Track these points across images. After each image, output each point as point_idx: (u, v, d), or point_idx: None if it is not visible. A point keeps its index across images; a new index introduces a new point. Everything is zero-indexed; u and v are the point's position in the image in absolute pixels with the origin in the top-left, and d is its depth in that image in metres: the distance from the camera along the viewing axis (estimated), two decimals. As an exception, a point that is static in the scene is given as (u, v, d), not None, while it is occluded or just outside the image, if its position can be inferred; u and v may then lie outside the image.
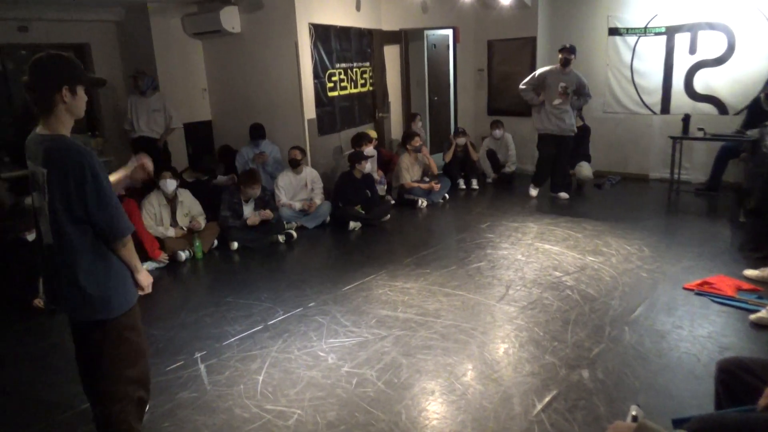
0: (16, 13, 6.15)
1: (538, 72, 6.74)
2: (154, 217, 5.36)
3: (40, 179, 2.13)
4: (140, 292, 2.36)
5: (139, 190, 5.74)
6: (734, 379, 2.05)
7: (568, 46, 6.57)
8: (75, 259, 2.14)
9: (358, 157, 6.25)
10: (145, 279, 2.35)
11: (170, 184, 5.38)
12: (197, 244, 5.40)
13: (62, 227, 2.11)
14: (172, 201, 5.45)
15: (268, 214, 5.68)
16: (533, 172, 7.24)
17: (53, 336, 4.04)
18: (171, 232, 5.37)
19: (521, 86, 6.75)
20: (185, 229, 5.49)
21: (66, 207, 2.10)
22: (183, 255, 5.32)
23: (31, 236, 4.53)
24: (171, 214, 5.46)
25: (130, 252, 2.26)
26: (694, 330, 3.50)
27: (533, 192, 7.07)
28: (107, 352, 2.25)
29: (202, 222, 5.57)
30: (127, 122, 6.71)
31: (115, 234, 2.18)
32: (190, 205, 5.59)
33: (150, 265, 5.11)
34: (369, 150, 6.79)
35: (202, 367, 3.35)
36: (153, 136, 6.73)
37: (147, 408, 2.50)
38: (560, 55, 6.56)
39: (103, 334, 2.23)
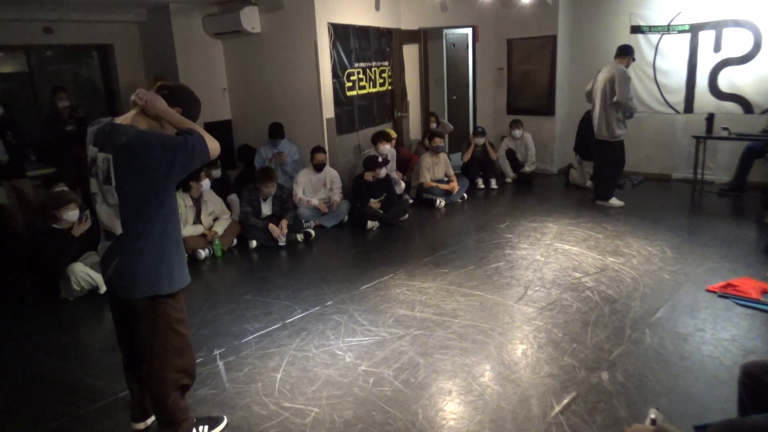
0: (42, 15, 6.27)
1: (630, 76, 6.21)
2: (181, 216, 5.43)
3: (104, 167, 2.23)
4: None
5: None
6: (758, 384, 2.01)
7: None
8: (133, 242, 2.28)
9: (372, 165, 6.22)
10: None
11: (205, 183, 5.47)
12: (216, 242, 5.45)
13: (125, 211, 2.25)
14: (197, 201, 5.51)
15: (284, 229, 5.67)
16: (604, 184, 6.52)
17: (80, 329, 4.13)
18: (200, 229, 5.43)
19: (629, 97, 6.10)
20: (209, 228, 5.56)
21: (132, 191, 2.23)
22: (203, 253, 5.38)
23: (71, 213, 4.55)
24: (196, 214, 5.52)
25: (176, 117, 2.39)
26: (717, 333, 3.44)
27: (619, 202, 6.45)
28: (159, 337, 2.41)
29: (220, 228, 5.61)
30: None
31: (199, 148, 2.33)
32: (214, 205, 5.64)
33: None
34: (387, 148, 6.79)
35: (220, 364, 3.38)
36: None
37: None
38: (630, 59, 6.19)
39: (155, 318, 2.38)
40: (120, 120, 2.33)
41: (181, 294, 2.47)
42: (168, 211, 2.35)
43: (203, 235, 5.49)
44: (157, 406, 2.52)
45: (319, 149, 6.32)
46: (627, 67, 6.26)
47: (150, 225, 2.29)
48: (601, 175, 6.59)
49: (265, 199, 5.80)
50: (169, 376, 2.45)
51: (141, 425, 2.72)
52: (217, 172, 6.16)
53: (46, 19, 6.37)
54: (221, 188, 6.16)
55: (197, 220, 5.52)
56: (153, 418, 2.73)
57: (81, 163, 2.51)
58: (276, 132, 6.65)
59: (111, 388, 3.14)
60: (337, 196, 6.38)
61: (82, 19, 6.62)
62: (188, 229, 5.41)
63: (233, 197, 6.06)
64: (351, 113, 7.17)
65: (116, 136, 2.22)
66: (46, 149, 6.43)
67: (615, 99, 6.07)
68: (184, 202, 5.43)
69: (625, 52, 6.23)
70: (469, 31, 8.74)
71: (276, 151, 6.65)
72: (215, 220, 5.64)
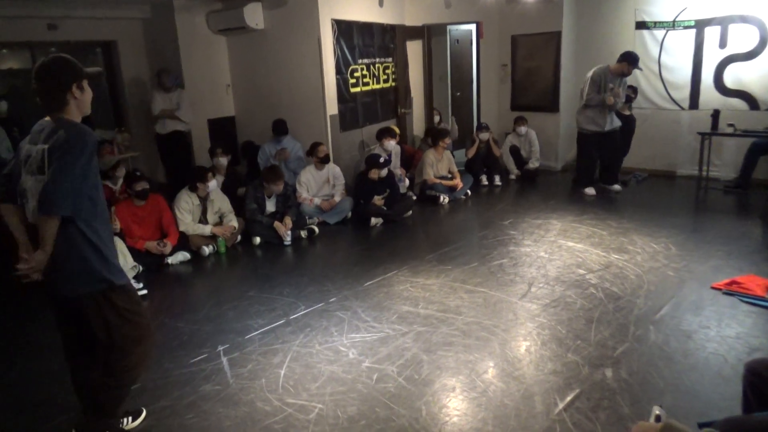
0: (46, 12, 6.28)
1: (597, 76, 6.47)
2: (191, 214, 5.43)
3: (38, 157, 2.21)
4: (20, 266, 2.27)
5: (165, 186, 5.84)
6: (763, 382, 2.01)
7: (638, 58, 6.44)
8: (67, 236, 2.24)
9: (374, 163, 6.19)
10: (30, 261, 2.24)
11: (212, 185, 5.45)
12: (220, 239, 5.46)
13: None
14: (203, 200, 5.51)
15: (288, 225, 5.67)
16: (578, 173, 7.12)
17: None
18: (208, 230, 5.44)
19: (588, 99, 6.50)
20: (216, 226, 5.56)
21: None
22: (207, 250, 5.39)
23: None
24: (202, 212, 5.52)
25: (49, 230, 2.18)
26: (721, 330, 3.43)
27: (591, 192, 6.87)
28: (115, 330, 2.41)
29: (234, 223, 5.62)
30: (159, 123, 6.78)
31: (48, 206, 2.15)
32: (220, 204, 5.64)
33: (177, 258, 5.19)
34: (392, 144, 6.78)
35: (224, 360, 3.39)
36: (178, 129, 6.81)
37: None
38: (627, 66, 6.39)
39: (104, 312, 2.37)
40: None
41: (126, 283, 2.46)
42: (92, 207, 2.30)
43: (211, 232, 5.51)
44: (111, 395, 2.53)
45: (318, 144, 6.31)
46: (627, 73, 6.46)
47: (75, 221, 2.24)
48: (576, 164, 7.26)
49: (269, 197, 5.80)
50: (130, 363, 2.50)
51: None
52: (221, 161, 6.21)
53: (50, 15, 6.38)
54: (230, 185, 6.19)
55: (203, 219, 5.52)
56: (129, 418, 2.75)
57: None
58: (279, 128, 6.65)
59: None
60: (338, 195, 6.37)
61: (86, 15, 6.63)
62: (202, 228, 5.42)
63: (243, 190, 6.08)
64: (354, 110, 7.16)
65: (53, 129, 2.22)
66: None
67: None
68: (191, 200, 5.43)
69: (622, 58, 6.45)
70: (473, 27, 8.71)
71: (279, 148, 6.65)
72: (221, 218, 5.64)
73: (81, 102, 2.33)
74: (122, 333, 2.43)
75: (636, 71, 7.53)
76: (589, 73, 6.56)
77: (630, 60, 6.39)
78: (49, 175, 2.16)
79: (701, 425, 1.91)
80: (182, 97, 6.76)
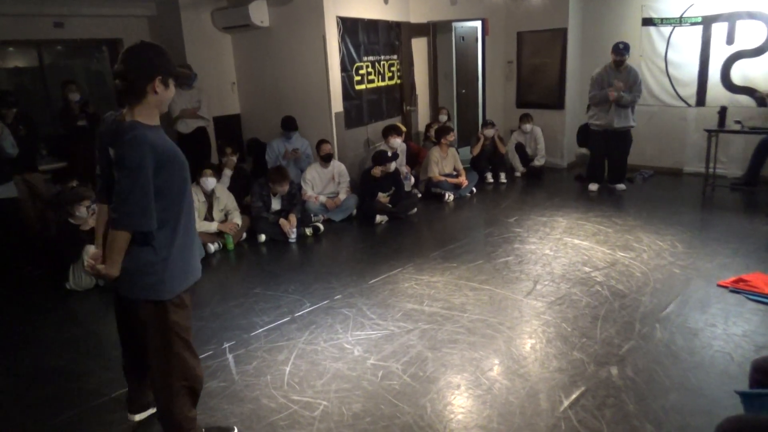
0: (52, 9, 6.31)
1: (598, 75, 6.57)
2: (197, 211, 5.44)
3: (111, 161, 2.13)
4: (89, 264, 2.32)
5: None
6: (770, 380, 2.00)
7: (621, 46, 6.43)
8: (134, 238, 2.16)
9: (382, 160, 6.18)
10: (96, 264, 2.26)
11: (210, 182, 5.44)
12: (228, 236, 5.48)
13: None
14: (209, 197, 5.52)
15: (292, 223, 5.68)
16: (587, 168, 7.19)
17: (90, 322, 4.17)
18: (214, 227, 5.45)
19: (590, 97, 6.64)
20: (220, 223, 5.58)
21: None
22: (213, 247, 5.40)
23: (83, 210, 4.65)
24: (208, 209, 5.54)
25: (117, 243, 2.14)
26: (728, 328, 3.42)
27: (592, 187, 6.99)
28: (165, 346, 2.31)
29: (238, 221, 5.63)
30: (181, 122, 6.63)
31: (118, 221, 2.11)
32: (225, 201, 5.65)
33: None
34: (397, 142, 6.77)
35: (230, 357, 3.40)
36: (200, 125, 6.75)
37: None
38: (612, 55, 6.47)
39: (159, 325, 2.29)
40: (124, 114, 2.19)
41: (185, 297, 2.35)
42: (166, 218, 2.19)
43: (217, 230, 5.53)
44: (163, 414, 2.43)
45: (324, 141, 6.31)
46: (618, 61, 6.46)
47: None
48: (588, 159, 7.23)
49: (275, 195, 5.81)
50: (176, 384, 2.36)
51: (137, 417, 2.74)
52: (231, 159, 6.23)
53: (57, 13, 6.40)
54: (238, 181, 6.20)
55: (209, 216, 5.54)
56: (150, 411, 2.74)
57: (92, 158, 2.47)
58: (289, 125, 6.61)
59: (123, 378, 3.15)
60: (343, 192, 6.37)
61: (92, 13, 6.65)
62: (207, 225, 5.43)
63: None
64: (360, 107, 7.16)
65: (117, 134, 2.11)
66: (58, 143, 6.46)
67: None
68: (197, 197, 5.44)
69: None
70: (478, 24, 8.68)
71: (292, 148, 6.62)
72: (226, 215, 5.66)
73: (160, 99, 2.17)
74: (171, 350, 2.31)
75: (643, 68, 7.52)
76: (593, 74, 6.63)
77: (612, 49, 6.49)
78: (117, 191, 2.08)
79: (741, 393, 1.91)
80: (202, 93, 6.71)
